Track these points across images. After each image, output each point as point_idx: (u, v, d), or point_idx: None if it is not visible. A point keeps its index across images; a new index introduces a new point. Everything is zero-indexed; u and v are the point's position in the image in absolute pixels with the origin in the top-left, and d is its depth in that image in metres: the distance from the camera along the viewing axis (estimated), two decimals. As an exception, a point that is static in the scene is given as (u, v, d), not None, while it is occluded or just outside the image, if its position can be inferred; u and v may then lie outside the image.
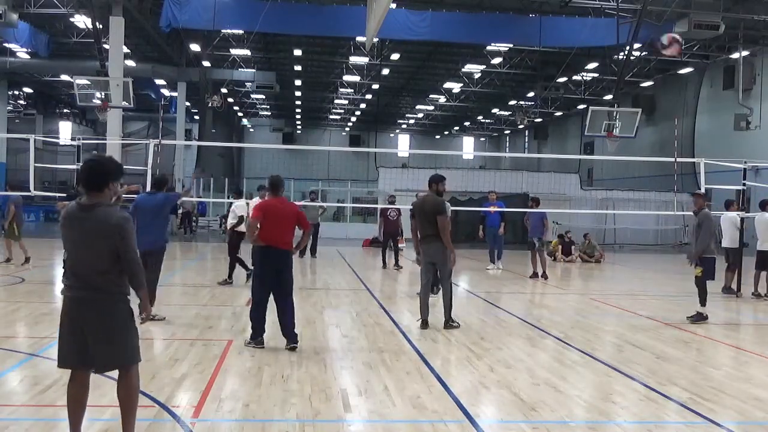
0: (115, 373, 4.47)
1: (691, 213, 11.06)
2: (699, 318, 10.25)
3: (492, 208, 17.47)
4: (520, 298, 13.19)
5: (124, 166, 4.93)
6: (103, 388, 5.42)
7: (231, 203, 14.92)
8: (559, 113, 49.89)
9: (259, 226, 7.62)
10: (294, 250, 7.90)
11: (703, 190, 10.97)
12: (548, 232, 17.19)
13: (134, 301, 4.47)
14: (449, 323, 9.22)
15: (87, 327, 4.27)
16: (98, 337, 4.27)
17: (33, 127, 47.34)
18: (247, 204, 13.75)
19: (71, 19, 29.88)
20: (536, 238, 16.02)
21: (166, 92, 45.55)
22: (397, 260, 17.48)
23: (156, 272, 9.30)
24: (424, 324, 9.25)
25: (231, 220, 13.68)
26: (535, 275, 16.07)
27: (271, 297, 7.72)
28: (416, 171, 33.63)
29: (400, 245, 18.02)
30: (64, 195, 13.44)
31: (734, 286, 13.78)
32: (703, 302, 10.34)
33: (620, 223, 30.65)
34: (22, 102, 51.62)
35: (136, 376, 4.48)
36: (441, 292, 9.55)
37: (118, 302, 4.37)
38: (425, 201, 9.41)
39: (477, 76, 41.90)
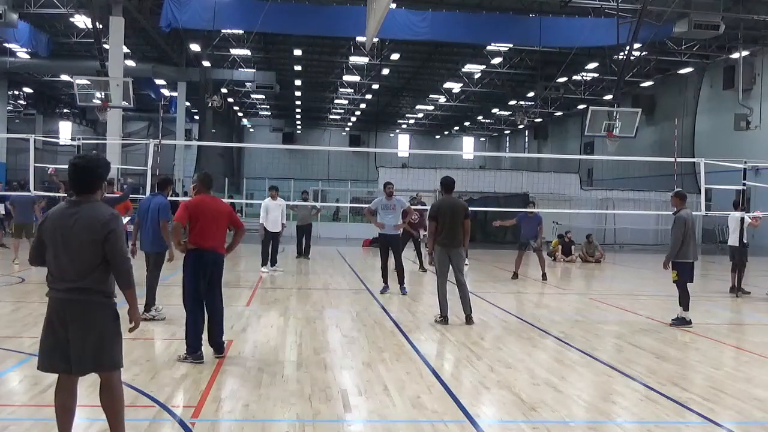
0: None
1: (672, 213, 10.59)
2: (681, 322, 9.89)
3: None
4: (520, 298, 13.18)
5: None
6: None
7: (232, 203, 14.99)
8: (559, 113, 49.92)
9: (187, 227, 7.06)
10: (227, 252, 7.28)
11: (678, 190, 10.59)
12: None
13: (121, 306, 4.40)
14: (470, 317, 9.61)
15: (71, 329, 4.15)
16: (81, 340, 4.15)
17: (33, 127, 47.40)
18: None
19: (71, 19, 29.92)
20: (532, 240, 15.92)
21: (166, 92, 45.57)
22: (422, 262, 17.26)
23: (154, 273, 9.36)
24: (446, 320, 9.46)
25: None
26: (515, 275, 15.93)
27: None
28: (416, 171, 33.70)
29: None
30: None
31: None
32: (685, 307, 9.98)
33: (620, 223, 30.64)
34: (22, 102, 51.64)
35: (119, 382, 4.37)
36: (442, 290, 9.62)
37: (104, 304, 4.25)
38: (455, 204, 9.80)
39: (477, 76, 41.93)
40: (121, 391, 4.39)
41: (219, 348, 7.09)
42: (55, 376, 4.35)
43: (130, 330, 4.40)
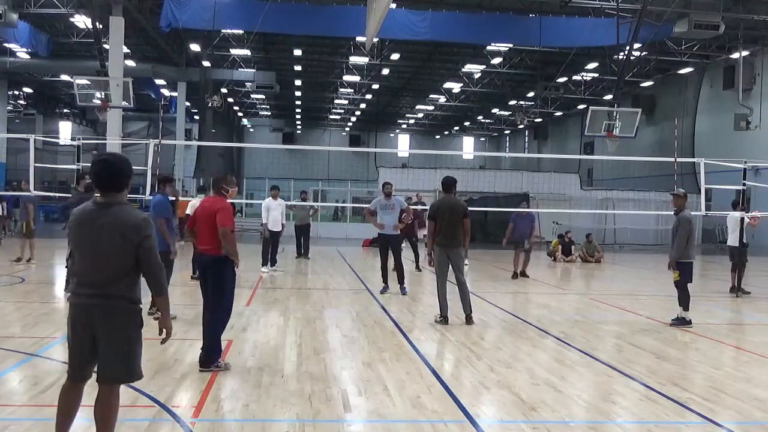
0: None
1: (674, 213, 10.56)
2: (681, 322, 9.90)
3: None
4: (520, 298, 13.19)
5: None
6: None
7: (232, 203, 14.94)
8: (559, 113, 49.94)
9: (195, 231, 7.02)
10: (234, 259, 6.78)
11: (681, 191, 10.61)
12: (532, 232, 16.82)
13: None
14: (470, 317, 9.56)
15: (98, 336, 4.01)
16: (109, 348, 4.02)
17: (33, 127, 47.45)
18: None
19: (71, 19, 29.93)
20: (526, 239, 15.97)
21: (166, 92, 45.57)
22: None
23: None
24: (446, 320, 9.46)
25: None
26: (515, 275, 15.93)
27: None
28: (416, 171, 33.71)
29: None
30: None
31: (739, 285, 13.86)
32: (685, 307, 10.00)
33: (620, 223, 30.64)
34: (22, 102, 51.65)
35: (118, 395, 4.19)
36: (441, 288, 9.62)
37: (131, 311, 4.09)
38: (455, 204, 9.74)
39: (477, 76, 41.95)
40: (117, 405, 4.21)
41: (203, 359, 6.56)
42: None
43: (163, 342, 4.32)
